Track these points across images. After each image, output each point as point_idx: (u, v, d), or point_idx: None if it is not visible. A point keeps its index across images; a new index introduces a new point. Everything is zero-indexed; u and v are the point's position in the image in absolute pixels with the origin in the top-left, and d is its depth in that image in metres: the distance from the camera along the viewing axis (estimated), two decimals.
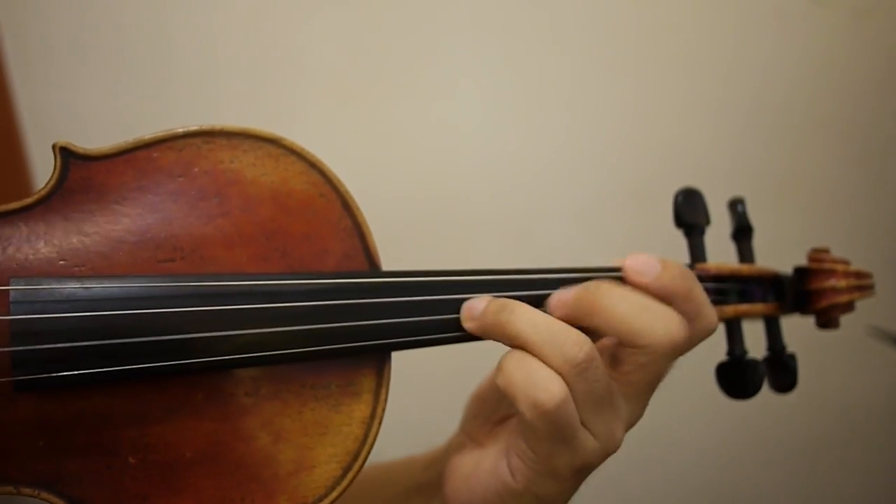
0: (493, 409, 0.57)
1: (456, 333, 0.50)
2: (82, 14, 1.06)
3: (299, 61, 1.16)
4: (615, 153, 1.33)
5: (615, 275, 0.52)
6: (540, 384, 0.46)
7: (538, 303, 0.50)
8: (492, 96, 1.27)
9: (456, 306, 0.50)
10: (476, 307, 0.49)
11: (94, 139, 0.48)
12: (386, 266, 0.51)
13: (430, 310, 0.49)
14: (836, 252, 0.65)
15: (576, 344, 0.46)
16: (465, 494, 0.54)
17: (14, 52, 1.04)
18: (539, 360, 0.47)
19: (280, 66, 1.15)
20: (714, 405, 1.37)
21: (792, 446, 1.55)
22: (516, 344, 0.48)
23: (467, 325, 0.50)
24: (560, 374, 0.46)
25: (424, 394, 1.15)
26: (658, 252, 0.52)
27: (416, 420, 1.04)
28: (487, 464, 0.53)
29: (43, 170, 1.05)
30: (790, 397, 1.48)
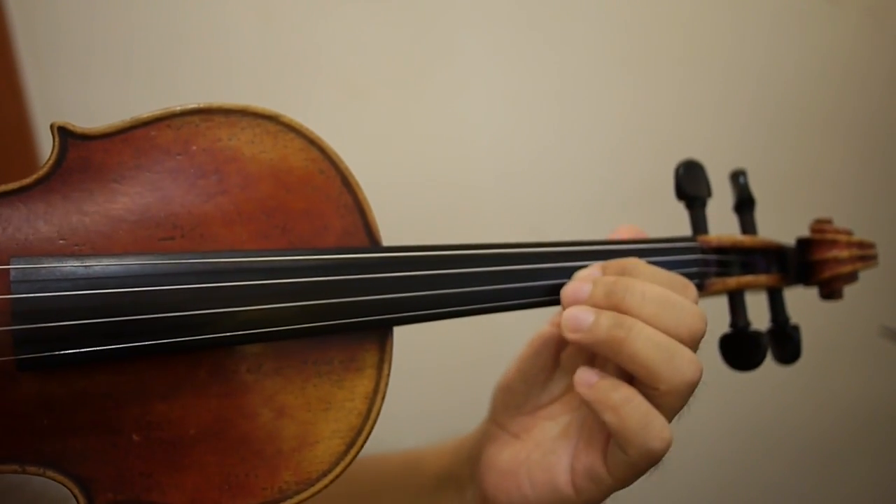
0: (524, 401, 0.56)
1: (455, 308, 0.49)
2: (94, 7, 1.06)
3: (312, 58, 1.16)
4: (625, 149, 1.34)
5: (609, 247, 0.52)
6: (655, 432, 0.46)
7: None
8: (502, 93, 1.27)
9: (455, 280, 0.49)
10: (584, 319, 0.47)
11: None
12: None
13: (431, 284, 0.49)
14: None
15: (694, 364, 0.46)
16: (514, 493, 0.53)
17: (27, 46, 1.04)
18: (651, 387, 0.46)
19: (293, 61, 1.15)
20: (718, 402, 1.36)
21: (797, 444, 1.55)
22: (632, 367, 0.46)
23: (573, 336, 0.48)
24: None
25: (428, 384, 1.15)
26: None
27: (420, 410, 1.04)
28: (538, 466, 0.52)
29: None
30: (795, 395, 1.48)
